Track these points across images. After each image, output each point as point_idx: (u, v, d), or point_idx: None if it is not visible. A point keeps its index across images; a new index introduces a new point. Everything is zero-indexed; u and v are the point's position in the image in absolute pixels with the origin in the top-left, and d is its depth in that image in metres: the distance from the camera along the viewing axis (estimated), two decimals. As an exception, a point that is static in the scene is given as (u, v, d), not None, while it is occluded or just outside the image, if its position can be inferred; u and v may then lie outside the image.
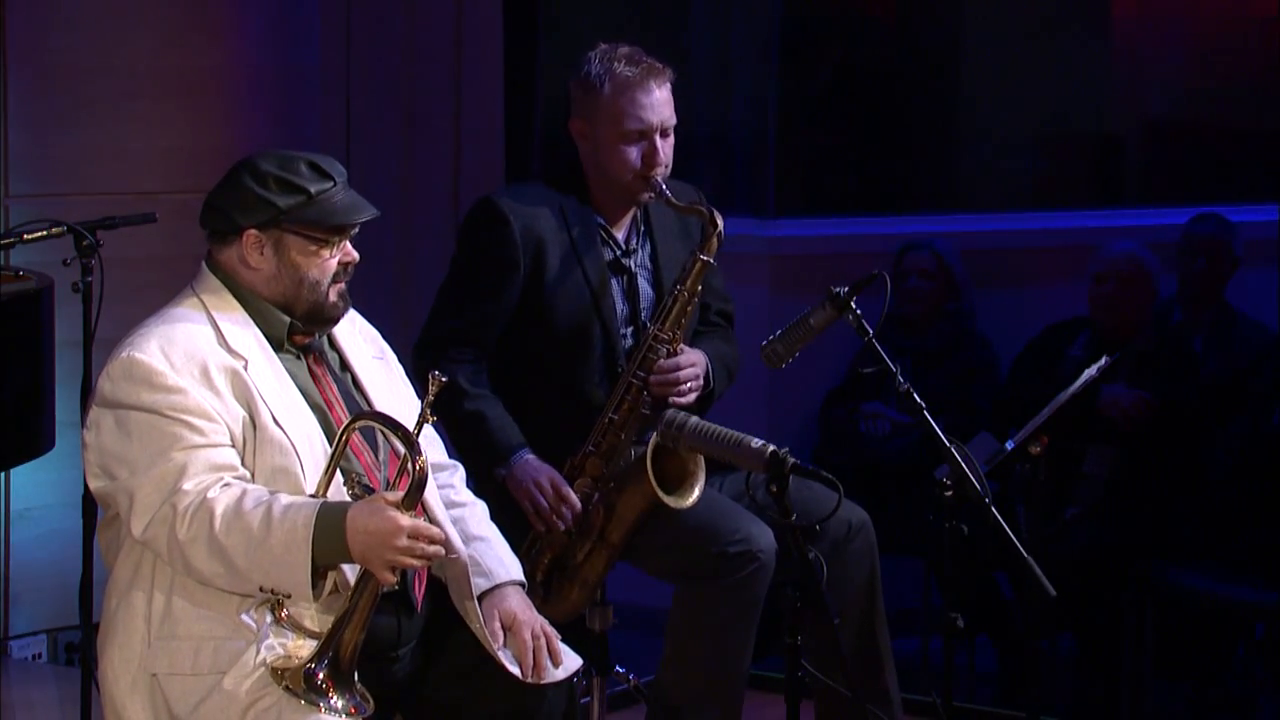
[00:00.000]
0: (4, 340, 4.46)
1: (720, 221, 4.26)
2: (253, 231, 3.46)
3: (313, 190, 3.45)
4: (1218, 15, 7.31)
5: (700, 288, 4.29)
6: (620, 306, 4.37)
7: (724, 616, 4.16)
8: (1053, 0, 7.25)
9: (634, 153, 4.28)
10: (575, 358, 4.32)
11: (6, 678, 5.56)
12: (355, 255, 3.51)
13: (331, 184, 3.47)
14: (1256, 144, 7.10)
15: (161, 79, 5.92)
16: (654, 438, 4.07)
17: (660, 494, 4.08)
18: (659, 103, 4.29)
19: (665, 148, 4.30)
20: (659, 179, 4.28)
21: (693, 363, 4.29)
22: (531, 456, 4.24)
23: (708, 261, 4.26)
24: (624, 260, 4.38)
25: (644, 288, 4.40)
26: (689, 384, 4.27)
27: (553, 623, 3.70)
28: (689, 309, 4.28)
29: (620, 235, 4.39)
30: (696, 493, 4.12)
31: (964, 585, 4.15)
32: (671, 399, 4.23)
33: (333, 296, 3.50)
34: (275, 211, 3.44)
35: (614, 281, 4.37)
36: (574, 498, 4.22)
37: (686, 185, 4.42)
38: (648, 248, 4.42)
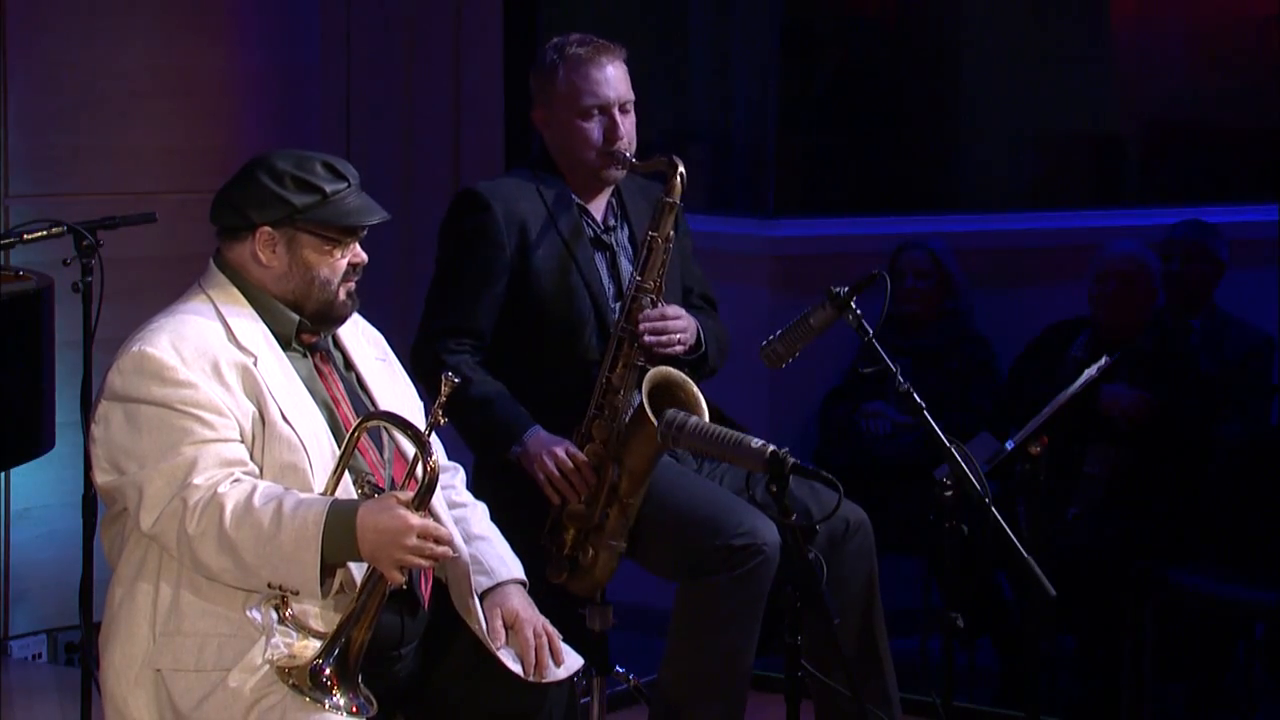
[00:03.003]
0: (4, 340, 4.46)
1: (680, 165, 4.30)
2: (266, 229, 3.47)
3: (328, 190, 3.46)
4: (1218, 15, 7.31)
5: (672, 234, 4.29)
6: (607, 281, 4.38)
7: (728, 610, 4.16)
8: (1053, 0, 7.25)
9: (595, 129, 4.34)
10: (569, 333, 4.34)
11: (6, 678, 5.57)
12: (364, 257, 3.53)
13: (346, 185, 3.48)
14: (1256, 144, 7.10)
15: (161, 79, 5.93)
16: (647, 379, 4.08)
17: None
18: (613, 78, 4.36)
19: (626, 123, 4.36)
20: (624, 151, 4.31)
21: (678, 314, 4.32)
22: (542, 432, 4.25)
23: (673, 204, 4.30)
24: (605, 237, 4.42)
25: (625, 265, 4.43)
26: (678, 334, 4.28)
27: (569, 600, 3.69)
28: (664, 257, 4.30)
29: (598, 215, 4.44)
30: None
31: (964, 585, 4.15)
32: (659, 349, 4.25)
33: (342, 296, 3.51)
34: (290, 209, 3.45)
35: (598, 257, 4.40)
36: (587, 463, 4.22)
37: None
38: (625, 229, 4.47)
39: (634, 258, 4.42)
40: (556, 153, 4.42)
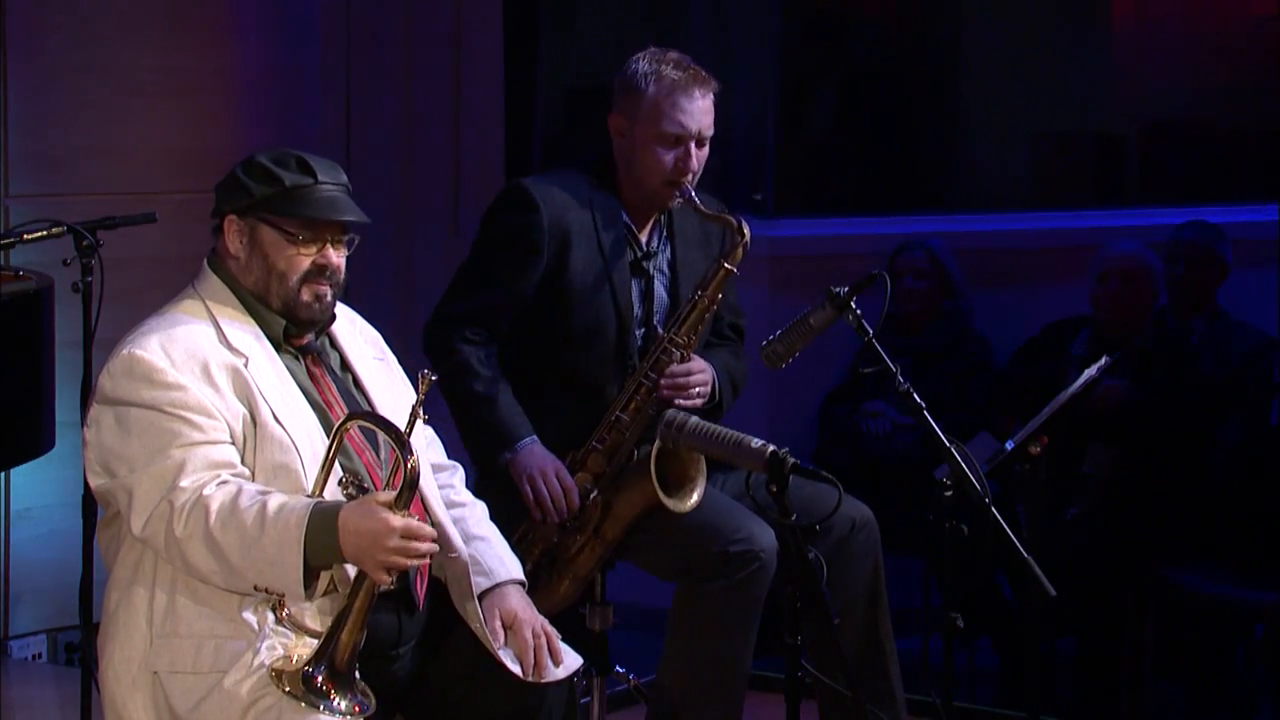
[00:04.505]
0: (4, 340, 4.45)
1: (748, 231, 4.27)
2: (232, 217, 3.48)
3: (287, 182, 3.44)
4: (1218, 15, 7.31)
5: (720, 296, 4.29)
6: (638, 307, 4.37)
7: (725, 616, 4.16)
8: (1053, 0, 7.25)
9: (668, 156, 4.27)
10: (588, 353, 4.32)
11: (6, 678, 5.56)
12: (334, 261, 3.49)
13: (311, 180, 3.45)
14: (1256, 144, 7.10)
15: (161, 79, 5.92)
16: (659, 438, 4.09)
17: (661, 495, 4.10)
18: (700, 110, 4.28)
19: (699, 156, 4.29)
20: (687, 187, 4.27)
21: (701, 369, 4.30)
22: (538, 445, 4.24)
23: (731, 270, 4.27)
24: (644, 263, 4.39)
25: (659, 292, 4.40)
26: (696, 389, 4.27)
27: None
28: (706, 316, 4.29)
29: (643, 237, 4.40)
30: (695, 497, 4.13)
31: (964, 585, 4.15)
32: (677, 402, 4.24)
33: (305, 296, 3.48)
34: (250, 199, 3.45)
35: (634, 282, 4.37)
36: (575, 490, 4.22)
37: (711, 196, 4.43)
38: (668, 252, 4.42)
39: (670, 284, 4.39)
40: (622, 164, 4.35)
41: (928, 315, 6.16)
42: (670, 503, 4.12)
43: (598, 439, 4.26)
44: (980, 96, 7.26)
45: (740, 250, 4.26)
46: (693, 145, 4.27)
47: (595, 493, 4.23)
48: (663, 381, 4.25)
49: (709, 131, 4.30)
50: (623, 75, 4.33)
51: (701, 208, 4.29)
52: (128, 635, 3.38)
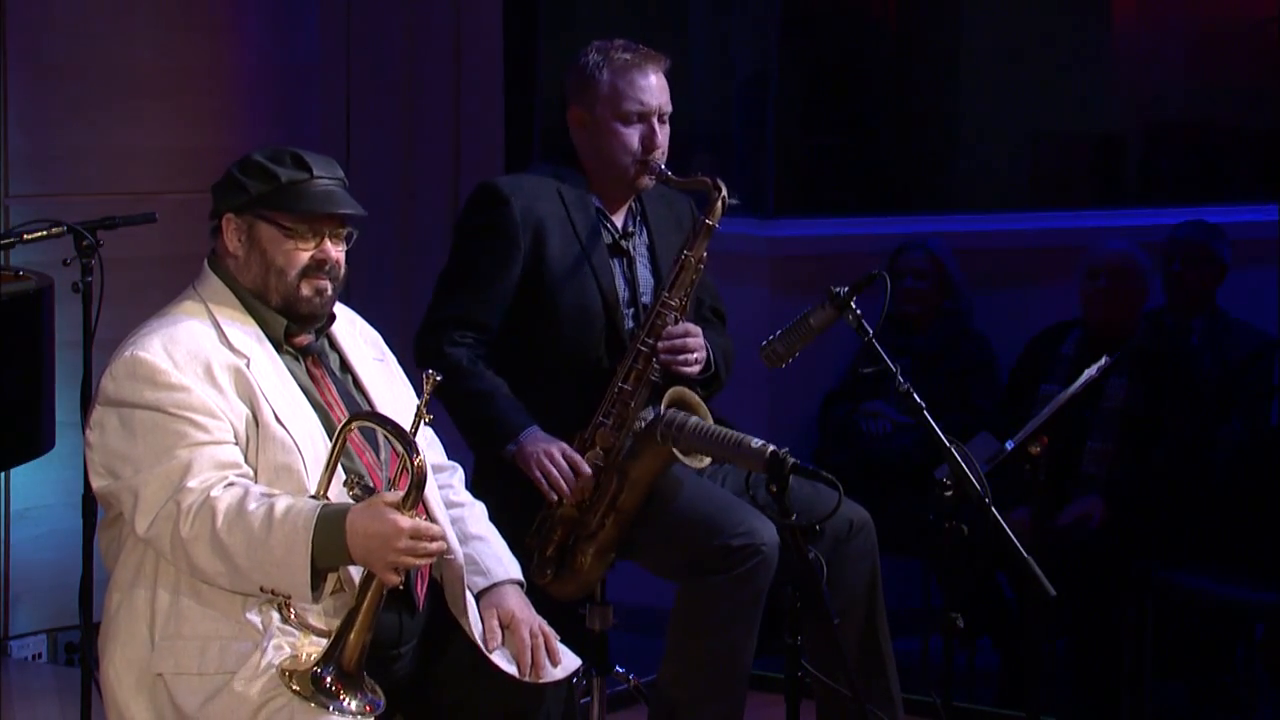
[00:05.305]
0: (4, 340, 4.45)
1: (724, 188, 4.29)
2: (231, 216, 3.48)
3: (283, 178, 3.45)
4: (1218, 15, 7.32)
5: (705, 255, 4.30)
6: (622, 287, 4.38)
7: (727, 611, 4.16)
8: (1053, 0, 7.26)
9: (634, 135, 4.32)
10: (579, 336, 4.33)
11: (6, 678, 5.56)
12: (333, 256, 3.49)
13: (306, 175, 3.46)
14: (1256, 144, 7.11)
15: (161, 79, 5.93)
16: (667, 397, 4.08)
17: (677, 454, 4.07)
18: (656, 87, 4.34)
19: (663, 133, 4.34)
20: (657, 163, 4.30)
21: (696, 333, 4.32)
22: (539, 431, 4.24)
23: (713, 226, 4.29)
24: (623, 243, 4.41)
25: (643, 272, 4.41)
26: (695, 353, 4.28)
27: (563, 603, 3.67)
28: (695, 277, 4.29)
29: (617, 220, 4.42)
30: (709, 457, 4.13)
31: (964, 585, 4.15)
32: (676, 368, 4.25)
33: (305, 291, 3.48)
34: (247, 196, 3.46)
35: (615, 262, 4.39)
36: (586, 466, 4.21)
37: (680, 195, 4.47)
38: (644, 235, 4.45)
39: (651, 265, 4.41)
40: (588, 154, 4.39)
41: (928, 315, 6.16)
42: (687, 461, 4.10)
43: (603, 413, 4.26)
44: (980, 96, 7.27)
45: (719, 205, 4.29)
46: (655, 121, 4.33)
47: (608, 465, 4.22)
48: (660, 345, 4.26)
49: (668, 109, 4.36)
50: (574, 70, 4.39)
51: (675, 178, 4.33)
52: (129, 637, 3.38)
